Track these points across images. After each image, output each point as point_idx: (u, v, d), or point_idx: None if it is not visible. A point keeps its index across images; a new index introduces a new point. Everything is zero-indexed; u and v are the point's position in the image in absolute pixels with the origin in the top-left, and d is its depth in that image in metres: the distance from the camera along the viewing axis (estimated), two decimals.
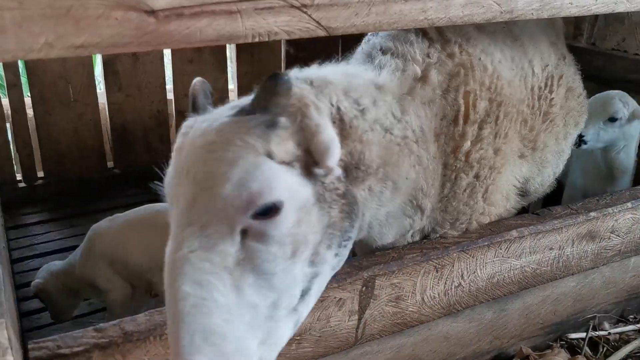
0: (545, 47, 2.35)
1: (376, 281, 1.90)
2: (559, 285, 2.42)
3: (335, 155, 1.46)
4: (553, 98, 2.30)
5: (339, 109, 1.61)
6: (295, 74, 1.66)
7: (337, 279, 1.83)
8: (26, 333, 3.15)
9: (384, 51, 1.94)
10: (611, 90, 3.19)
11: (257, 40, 1.47)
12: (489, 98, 2.02)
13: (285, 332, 1.43)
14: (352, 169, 1.61)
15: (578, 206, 2.33)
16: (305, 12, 1.50)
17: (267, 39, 1.49)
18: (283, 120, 1.41)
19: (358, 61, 1.98)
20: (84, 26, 1.28)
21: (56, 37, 1.27)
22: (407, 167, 1.78)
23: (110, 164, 4.76)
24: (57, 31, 1.26)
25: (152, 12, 1.33)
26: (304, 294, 1.46)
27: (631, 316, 2.74)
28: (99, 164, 4.66)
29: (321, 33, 1.54)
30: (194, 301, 1.24)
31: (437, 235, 2.09)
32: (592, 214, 2.28)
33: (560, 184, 3.45)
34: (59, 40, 1.27)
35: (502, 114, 2.05)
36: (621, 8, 1.97)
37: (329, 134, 1.46)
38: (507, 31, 2.21)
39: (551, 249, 2.24)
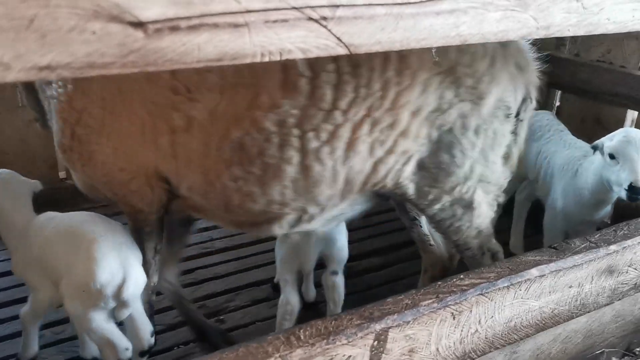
0: None
1: (389, 334, 1.66)
2: (571, 322, 2.23)
3: None
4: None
5: None
6: None
7: (347, 334, 1.58)
8: None
9: None
10: None
11: (266, 59, 1.20)
12: None
13: None
14: None
15: (596, 238, 2.14)
16: (324, 27, 1.23)
17: (278, 58, 1.22)
18: None
19: None
20: (51, 42, 0.98)
21: (15, 55, 0.97)
22: None
23: (62, 174, 4.37)
24: (16, 48, 0.97)
25: (139, 25, 1.04)
26: None
27: (637, 349, 2.59)
28: (49, 174, 4.25)
29: (341, 51, 1.28)
30: None
31: None
32: (612, 247, 2.10)
33: (541, 205, 3.29)
34: (18, 60, 0.97)
35: None
36: None
37: None
38: None
39: (570, 286, 2.05)
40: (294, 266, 2.85)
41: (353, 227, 4.06)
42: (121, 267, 2.32)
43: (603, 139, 2.76)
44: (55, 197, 4.20)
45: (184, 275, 3.54)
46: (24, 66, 0.98)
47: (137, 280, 2.37)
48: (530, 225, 3.70)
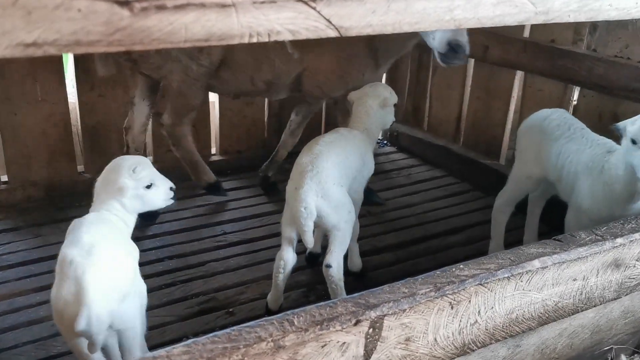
0: None
1: (385, 322, 1.65)
2: (577, 316, 2.20)
3: None
4: None
5: None
6: None
7: (341, 321, 1.58)
8: None
9: None
10: None
11: (254, 40, 1.21)
12: None
13: None
14: None
15: (603, 231, 2.10)
16: (313, 8, 1.24)
17: (267, 39, 1.23)
18: None
19: None
20: (37, 18, 1.00)
21: (1, 32, 0.99)
22: None
23: (80, 167, 4.42)
24: (2, 25, 0.99)
25: (125, 3, 1.06)
26: None
27: None
28: (68, 167, 4.33)
29: (332, 33, 1.28)
30: None
31: None
32: (619, 240, 2.06)
33: (563, 205, 3.20)
34: (4, 37, 0.99)
35: None
36: None
37: None
38: None
39: (575, 279, 2.02)
40: (291, 226, 2.89)
41: (366, 223, 4.07)
42: (75, 300, 2.04)
43: (626, 122, 2.65)
44: (74, 190, 4.30)
45: (195, 267, 3.57)
46: (10, 43, 1.00)
47: (89, 316, 2.00)
48: (544, 223, 3.65)
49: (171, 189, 2.54)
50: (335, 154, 2.86)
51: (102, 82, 4.17)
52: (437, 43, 3.02)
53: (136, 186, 2.39)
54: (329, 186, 2.73)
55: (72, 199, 4.22)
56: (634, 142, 2.54)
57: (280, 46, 3.57)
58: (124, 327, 2.24)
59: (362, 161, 3.09)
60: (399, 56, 3.88)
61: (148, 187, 2.43)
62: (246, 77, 3.80)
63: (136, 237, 2.55)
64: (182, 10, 1.12)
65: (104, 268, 2.11)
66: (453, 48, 2.95)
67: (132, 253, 2.41)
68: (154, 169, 2.51)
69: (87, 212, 4.07)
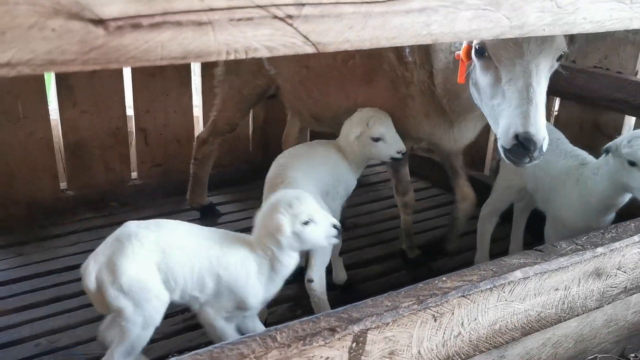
0: None
1: (368, 336, 1.65)
2: (560, 326, 2.21)
3: None
4: None
5: None
6: None
7: (324, 335, 1.57)
8: None
9: None
10: None
11: (232, 57, 1.22)
12: None
13: None
14: None
15: (583, 240, 2.12)
16: (290, 25, 1.25)
17: (244, 56, 1.23)
18: None
19: None
20: (11, 39, 1.00)
21: None
22: None
23: (63, 185, 4.38)
24: None
25: (100, 22, 1.06)
26: None
27: (632, 355, 2.55)
28: (51, 185, 4.28)
29: (309, 49, 1.29)
30: None
31: None
32: (599, 249, 2.08)
33: (541, 215, 3.22)
34: None
35: None
36: (636, 24, 1.78)
37: None
38: None
39: (556, 289, 2.03)
40: None
41: (353, 235, 4.08)
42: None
43: (617, 142, 2.63)
44: (56, 207, 4.26)
45: None
46: None
47: (86, 264, 2.23)
48: (529, 233, 3.67)
49: (334, 226, 2.29)
50: (304, 164, 2.84)
51: (84, 99, 4.15)
52: (500, 133, 2.27)
53: (292, 222, 2.22)
54: None
55: (54, 217, 4.18)
56: (632, 163, 2.53)
57: (316, 77, 3.36)
58: (117, 316, 2.29)
59: (333, 175, 3.00)
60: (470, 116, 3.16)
61: (306, 223, 2.23)
62: (296, 106, 3.64)
63: None
64: (158, 29, 1.12)
65: (128, 250, 2.16)
66: (522, 143, 2.16)
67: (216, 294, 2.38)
68: (315, 204, 2.30)
69: (70, 230, 4.07)
